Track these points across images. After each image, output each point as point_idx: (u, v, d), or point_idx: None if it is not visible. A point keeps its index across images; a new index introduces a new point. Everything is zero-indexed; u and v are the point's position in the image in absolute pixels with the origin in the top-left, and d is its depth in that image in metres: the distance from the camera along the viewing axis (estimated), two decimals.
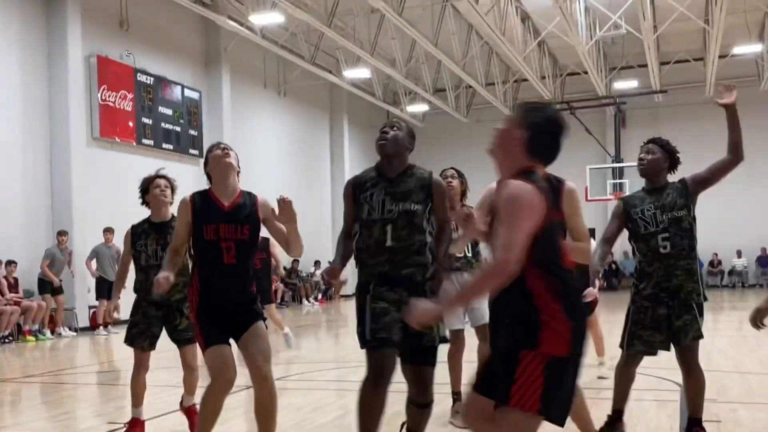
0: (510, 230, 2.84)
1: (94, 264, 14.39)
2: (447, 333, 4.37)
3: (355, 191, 4.22)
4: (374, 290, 4.07)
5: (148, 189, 5.44)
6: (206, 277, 4.35)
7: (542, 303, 2.91)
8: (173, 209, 5.02)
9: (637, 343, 4.75)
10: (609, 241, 4.95)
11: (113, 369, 10.11)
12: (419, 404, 4.15)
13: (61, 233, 14.12)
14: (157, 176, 5.46)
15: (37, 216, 14.65)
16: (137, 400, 5.44)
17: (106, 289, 14.31)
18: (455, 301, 3.06)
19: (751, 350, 9.87)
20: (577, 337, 2.93)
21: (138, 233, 5.49)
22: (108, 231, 14.37)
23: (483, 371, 3.12)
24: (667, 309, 4.66)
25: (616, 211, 4.94)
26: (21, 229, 14.36)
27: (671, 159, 4.84)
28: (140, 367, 5.43)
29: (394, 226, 4.08)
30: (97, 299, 14.64)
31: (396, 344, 3.96)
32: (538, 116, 3.06)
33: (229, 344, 4.32)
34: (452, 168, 6.10)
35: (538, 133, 3.02)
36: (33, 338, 13.35)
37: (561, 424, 2.99)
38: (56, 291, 14.04)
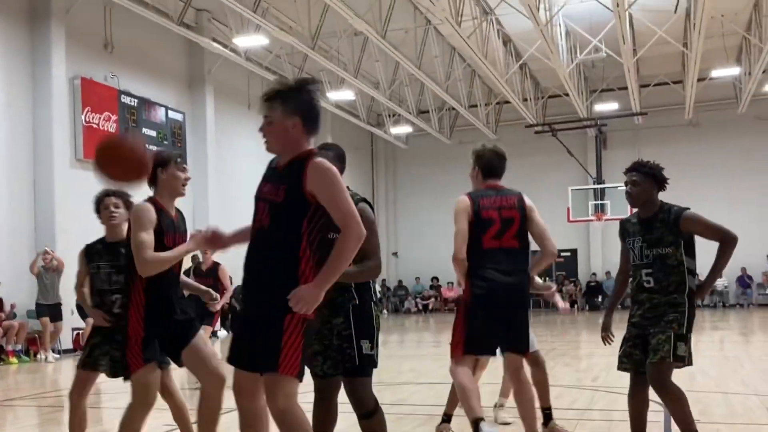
0: (342, 199, 3.36)
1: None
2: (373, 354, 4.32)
3: None
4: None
5: (99, 209, 5.09)
6: (160, 287, 4.31)
7: (305, 269, 3.36)
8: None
9: (626, 360, 4.74)
10: (624, 271, 4.91)
11: (96, 392, 10.04)
12: (360, 415, 4.26)
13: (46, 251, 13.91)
14: (106, 194, 5.09)
15: (20, 237, 14.58)
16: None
17: None
18: (326, 275, 3.34)
19: (733, 371, 9.97)
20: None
21: (91, 254, 5.14)
22: None
23: (245, 345, 3.42)
24: (649, 333, 4.65)
25: (619, 233, 4.92)
26: (4, 251, 14.28)
27: (658, 182, 4.74)
28: (83, 391, 5.00)
29: None
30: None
31: (321, 375, 4.24)
32: (304, 98, 3.43)
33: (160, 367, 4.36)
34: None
35: (309, 114, 3.45)
36: (15, 360, 13.25)
37: (302, 379, 3.39)
38: (55, 316, 13.81)
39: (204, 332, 9.37)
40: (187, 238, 4.47)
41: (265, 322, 3.34)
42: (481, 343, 4.91)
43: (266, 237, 3.47)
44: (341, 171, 4.37)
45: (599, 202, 24.23)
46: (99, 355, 5.05)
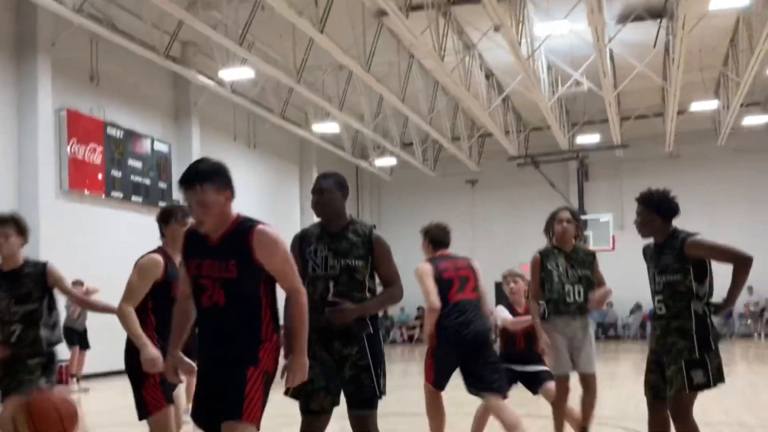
0: (290, 268, 3.56)
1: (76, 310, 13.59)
2: (384, 387, 4.40)
3: (301, 246, 4.37)
4: (312, 348, 4.18)
5: None
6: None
7: (264, 327, 3.46)
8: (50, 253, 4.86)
9: (645, 386, 4.81)
10: None
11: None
12: None
13: None
14: None
15: None
16: None
17: (76, 337, 13.83)
18: (301, 343, 3.52)
19: (716, 401, 10.04)
20: (277, 356, 3.56)
21: None
22: (77, 284, 13.96)
23: (210, 406, 3.46)
24: (664, 361, 4.70)
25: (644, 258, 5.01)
26: None
27: (662, 211, 4.76)
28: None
29: (336, 282, 4.22)
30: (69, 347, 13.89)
31: (319, 410, 4.22)
32: (227, 170, 3.60)
33: None
34: (567, 209, 6.28)
35: (232, 182, 3.59)
36: None
37: (259, 426, 3.45)
38: None
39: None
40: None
41: (230, 376, 3.39)
42: (445, 379, 5.92)
43: (224, 314, 3.47)
44: (344, 197, 4.51)
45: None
46: (7, 389, 4.81)
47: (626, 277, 25.19)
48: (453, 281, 5.85)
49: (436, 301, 5.70)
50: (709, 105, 23.03)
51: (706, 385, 4.58)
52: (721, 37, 19.14)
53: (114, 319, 4.89)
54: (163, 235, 4.62)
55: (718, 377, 4.61)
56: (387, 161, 27.17)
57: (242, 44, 15.55)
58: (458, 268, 5.94)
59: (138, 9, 15.58)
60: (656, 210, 4.76)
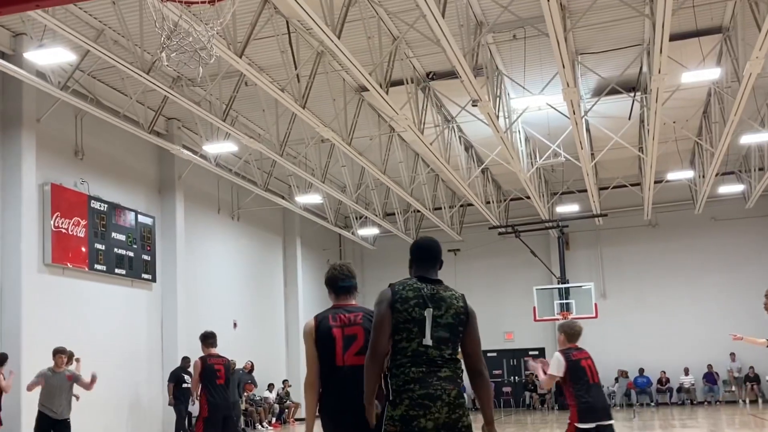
0: None
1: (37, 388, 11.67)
2: None
3: None
4: None
5: None
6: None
7: None
8: None
9: None
10: None
11: None
12: None
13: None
14: None
15: None
16: None
17: (49, 427, 11.58)
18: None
19: None
20: None
21: None
22: (59, 353, 11.80)
23: None
24: None
25: None
26: None
27: None
28: None
29: None
30: None
31: None
32: None
33: None
34: None
35: None
36: None
37: None
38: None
39: None
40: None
41: None
42: None
43: None
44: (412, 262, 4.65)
45: (564, 301, 24.53)
46: None
47: (609, 343, 25.31)
48: None
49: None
50: (685, 174, 23.52)
51: None
52: (694, 109, 19.64)
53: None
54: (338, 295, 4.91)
55: None
56: (369, 231, 27.37)
57: (226, 119, 15.81)
58: None
59: (122, 85, 15.89)
60: None
